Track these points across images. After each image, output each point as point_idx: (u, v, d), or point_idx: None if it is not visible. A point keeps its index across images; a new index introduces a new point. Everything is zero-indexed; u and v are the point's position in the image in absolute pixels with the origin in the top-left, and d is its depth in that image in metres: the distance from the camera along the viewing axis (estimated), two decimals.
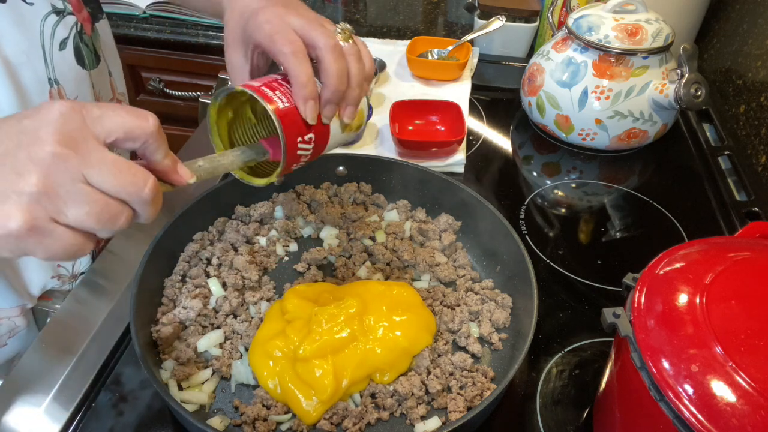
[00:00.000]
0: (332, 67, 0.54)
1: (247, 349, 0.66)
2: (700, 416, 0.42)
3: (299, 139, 0.56)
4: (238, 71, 0.60)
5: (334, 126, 0.59)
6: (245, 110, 0.61)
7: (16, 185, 0.37)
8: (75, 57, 0.69)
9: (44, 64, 0.65)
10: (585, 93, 0.95)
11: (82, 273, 0.79)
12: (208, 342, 0.66)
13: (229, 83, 0.60)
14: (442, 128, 1.03)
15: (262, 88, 0.54)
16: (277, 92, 0.54)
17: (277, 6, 0.56)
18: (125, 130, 0.41)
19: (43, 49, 0.65)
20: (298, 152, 0.57)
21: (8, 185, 0.37)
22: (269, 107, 0.53)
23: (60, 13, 0.66)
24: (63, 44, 0.67)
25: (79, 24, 0.68)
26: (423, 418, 0.61)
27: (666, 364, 0.45)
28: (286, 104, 0.54)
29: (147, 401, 0.63)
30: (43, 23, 0.65)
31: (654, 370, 0.45)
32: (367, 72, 0.59)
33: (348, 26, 0.58)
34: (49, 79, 0.66)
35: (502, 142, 1.05)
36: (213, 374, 0.65)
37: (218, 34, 1.34)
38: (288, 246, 0.80)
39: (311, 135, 0.57)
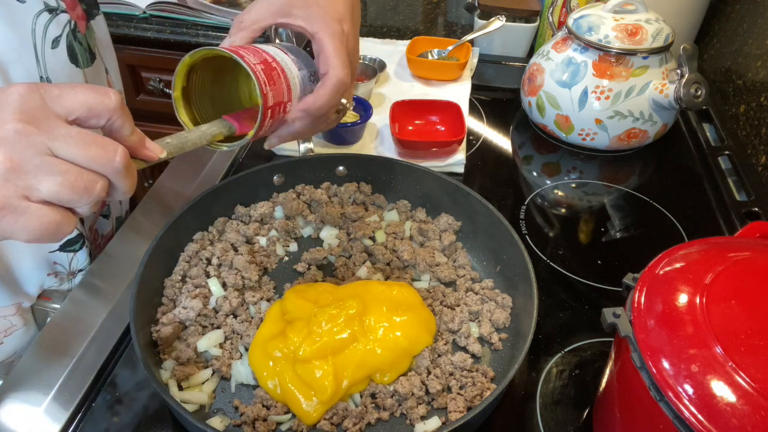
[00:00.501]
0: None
1: (247, 349, 0.66)
2: (700, 416, 0.42)
3: (268, 120, 0.58)
4: (247, 24, 0.62)
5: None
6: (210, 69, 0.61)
7: None
8: (68, 55, 0.68)
9: (36, 63, 0.65)
10: (585, 93, 0.95)
11: (80, 270, 0.79)
12: (208, 342, 0.66)
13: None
14: (442, 128, 1.03)
15: (259, 69, 0.56)
16: (271, 85, 0.57)
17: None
18: (87, 108, 0.41)
19: (34, 47, 0.64)
20: (263, 131, 0.59)
21: None
22: (261, 99, 0.56)
23: (53, 11, 0.65)
24: (56, 42, 0.66)
25: (72, 22, 0.68)
26: (423, 418, 0.61)
27: (666, 364, 0.45)
28: (273, 99, 0.57)
29: (147, 401, 0.63)
30: (35, 21, 0.64)
31: (654, 370, 0.45)
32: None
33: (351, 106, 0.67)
34: (41, 77, 0.65)
35: (502, 142, 1.05)
36: (213, 374, 0.65)
37: (218, 34, 1.34)
38: (288, 246, 0.80)
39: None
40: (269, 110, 0.57)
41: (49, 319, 0.72)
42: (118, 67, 0.83)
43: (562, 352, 0.70)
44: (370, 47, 1.27)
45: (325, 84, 0.60)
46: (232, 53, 0.55)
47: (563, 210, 0.92)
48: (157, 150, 0.47)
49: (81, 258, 0.78)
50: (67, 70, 0.68)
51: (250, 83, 0.59)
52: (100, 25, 0.75)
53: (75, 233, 0.75)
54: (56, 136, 0.39)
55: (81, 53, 0.70)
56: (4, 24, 0.61)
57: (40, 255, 0.73)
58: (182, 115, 0.58)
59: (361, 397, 0.63)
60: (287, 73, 0.60)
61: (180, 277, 0.72)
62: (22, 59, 0.63)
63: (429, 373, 0.65)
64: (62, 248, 0.75)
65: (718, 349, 0.44)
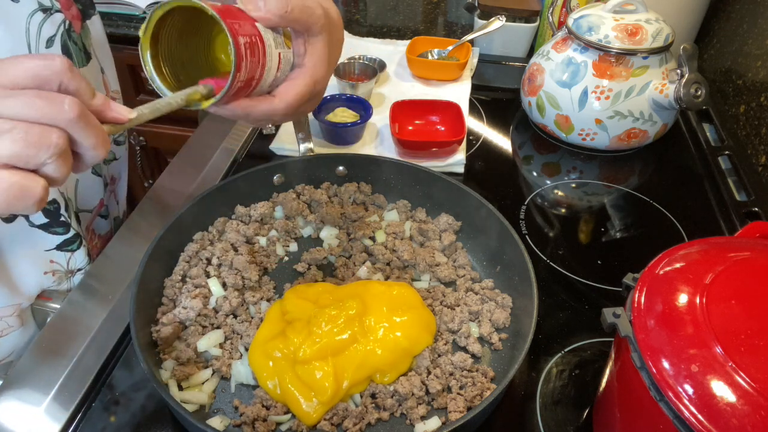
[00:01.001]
0: None
1: (247, 349, 0.66)
2: (700, 416, 0.42)
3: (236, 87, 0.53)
4: None
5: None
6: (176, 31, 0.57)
7: None
8: (63, 55, 0.68)
9: None
10: (585, 93, 0.95)
11: (78, 269, 0.79)
12: (208, 342, 0.66)
13: None
14: (442, 128, 1.03)
15: (241, 40, 0.52)
16: (249, 56, 0.53)
17: None
18: (33, 75, 0.39)
19: (28, 47, 0.64)
20: (226, 98, 0.54)
21: None
22: (234, 68, 0.51)
23: (47, 10, 0.65)
24: (50, 42, 0.66)
25: (67, 22, 0.68)
26: (423, 418, 0.61)
27: (666, 364, 0.45)
28: (246, 73, 0.53)
29: (147, 401, 0.63)
30: (29, 21, 0.64)
31: (654, 370, 0.45)
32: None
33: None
34: None
35: (502, 142, 1.05)
36: (213, 374, 0.65)
37: None
38: (288, 246, 0.80)
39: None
40: (239, 83, 0.53)
41: (48, 319, 0.72)
42: (116, 68, 0.83)
43: (562, 352, 0.70)
44: (370, 47, 1.27)
45: (303, 76, 0.57)
46: (216, 13, 0.50)
47: (563, 210, 0.92)
48: (125, 111, 0.44)
49: (79, 258, 0.78)
50: None
51: (225, 48, 0.56)
52: (96, 25, 0.74)
53: (72, 233, 0.75)
54: (1, 99, 0.38)
55: (76, 53, 0.70)
56: None
57: (38, 254, 0.73)
58: (150, 70, 0.54)
59: (361, 397, 0.63)
60: (267, 49, 0.56)
61: (180, 277, 0.72)
62: None
63: (429, 373, 0.65)
64: (59, 248, 0.75)
65: (718, 349, 0.44)
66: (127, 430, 0.61)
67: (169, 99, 0.51)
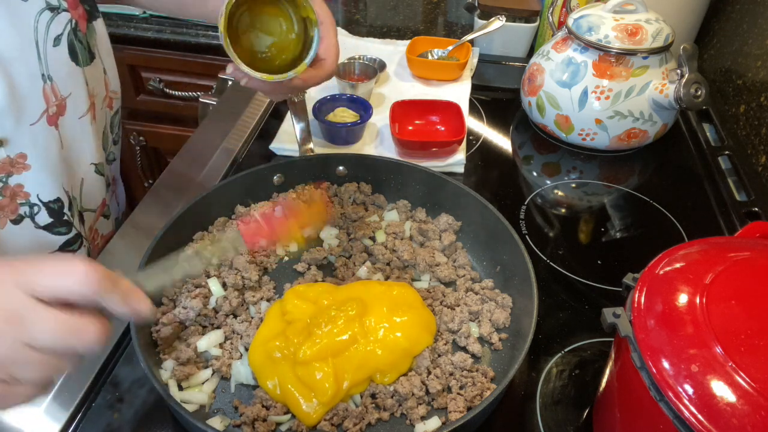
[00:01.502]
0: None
1: (247, 349, 0.66)
2: (700, 416, 0.42)
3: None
4: None
5: None
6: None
7: None
8: (69, 53, 0.69)
9: (38, 60, 0.65)
10: (585, 93, 0.95)
11: None
12: (208, 342, 0.66)
13: (229, 83, 0.61)
14: (442, 128, 1.03)
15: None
16: None
17: None
18: (67, 295, 0.42)
19: (36, 45, 0.65)
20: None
21: None
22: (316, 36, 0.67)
23: (54, 9, 0.66)
24: (57, 40, 0.67)
25: (73, 21, 0.68)
26: (423, 418, 0.61)
27: (666, 364, 0.45)
28: None
29: (147, 401, 0.63)
30: (38, 19, 0.64)
31: (654, 370, 0.45)
32: None
33: None
34: (43, 74, 0.66)
35: (502, 142, 1.05)
36: (213, 374, 0.65)
37: (218, 34, 1.34)
38: (288, 246, 0.80)
39: None
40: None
41: None
42: (118, 69, 0.83)
43: (562, 352, 0.70)
44: (370, 47, 1.27)
45: (325, 68, 0.72)
46: None
47: (563, 210, 0.92)
48: (145, 309, 0.47)
49: (81, 255, 0.79)
50: (68, 68, 0.69)
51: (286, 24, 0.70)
52: (99, 28, 0.75)
53: (73, 233, 0.75)
54: (31, 330, 0.40)
55: (81, 52, 0.70)
56: (7, 22, 0.62)
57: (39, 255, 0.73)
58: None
59: (362, 397, 0.63)
60: None
61: (180, 277, 0.72)
62: (25, 57, 0.64)
63: (429, 373, 0.65)
64: (61, 249, 0.75)
65: (718, 349, 0.44)
66: (127, 430, 0.61)
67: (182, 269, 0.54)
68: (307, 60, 0.68)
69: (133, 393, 0.64)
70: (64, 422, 0.61)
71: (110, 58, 0.79)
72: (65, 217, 0.73)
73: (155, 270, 0.50)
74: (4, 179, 0.66)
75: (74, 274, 0.42)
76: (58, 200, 0.71)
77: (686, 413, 0.43)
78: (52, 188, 0.70)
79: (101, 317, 0.43)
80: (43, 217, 0.71)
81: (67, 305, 0.42)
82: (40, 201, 0.70)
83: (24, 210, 0.69)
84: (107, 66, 0.78)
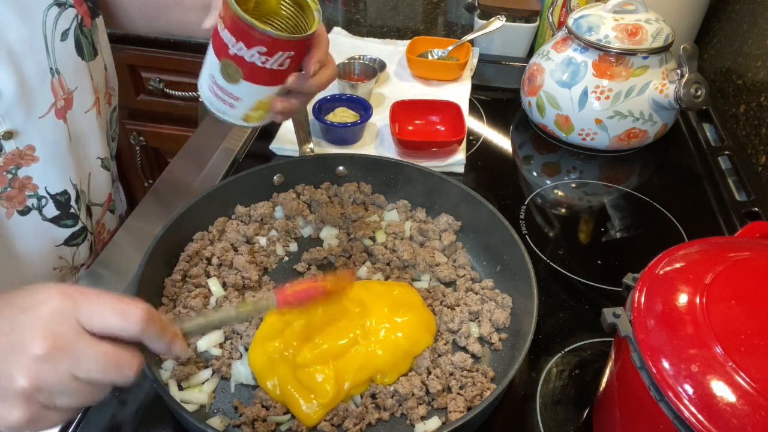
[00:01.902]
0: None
1: (247, 349, 0.66)
2: (700, 416, 0.42)
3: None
4: None
5: None
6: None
7: (11, 385, 0.41)
8: (75, 48, 0.70)
9: (46, 54, 0.66)
10: (585, 93, 0.95)
11: (82, 264, 0.80)
12: (208, 342, 0.66)
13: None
14: (442, 128, 1.03)
15: None
16: None
17: None
18: (115, 331, 0.43)
19: (45, 39, 0.66)
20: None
21: (6, 383, 0.41)
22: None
23: (62, 5, 0.67)
24: (65, 35, 0.68)
25: (79, 16, 0.70)
26: (423, 418, 0.61)
27: (666, 364, 0.45)
28: None
29: (147, 401, 0.63)
30: (46, 14, 0.66)
31: (654, 370, 0.45)
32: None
33: None
34: (51, 68, 0.67)
35: (502, 142, 1.05)
36: (213, 374, 0.65)
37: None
38: (288, 246, 0.80)
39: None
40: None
41: None
42: (116, 68, 0.84)
43: (562, 352, 0.70)
44: (370, 47, 1.27)
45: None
46: None
47: (563, 210, 0.92)
48: (181, 351, 0.49)
49: (83, 252, 0.79)
50: (75, 63, 0.70)
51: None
52: (101, 25, 0.76)
53: (79, 226, 0.76)
54: (81, 362, 0.42)
55: (86, 47, 0.72)
56: (17, 16, 0.63)
57: (48, 249, 0.74)
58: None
59: (362, 397, 0.63)
60: None
61: (180, 277, 0.72)
62: (34, 51, 0.65)
63: (429, 373, 0.65)
64: (67, 242, 0.75)
65: (718, 349, 0.44)
66: (127, 429, 0.60)
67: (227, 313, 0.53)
68: (317, 18, 0.59)
69: (133, 393, 0.63)
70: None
71: (110, 57, 0.80)
72: (72, 210, 0.74)
73: (197, 319, 0.52)
74: (13, 171, 0.67)
75: (133, 319, 0.43)
76: (65, 193, 0.72)
77: (686, 413, 0.43)
78: (60, 181, 0.71)
79: (139, 352, 0.45)
80: (51, 210, 0.71)
81: (113, 338, 0.44)
82: (48, 193, 0.70)
83: (32, 202, 0.69)
84: (107, 62, 0.79)
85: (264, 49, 0.55)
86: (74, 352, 0.41)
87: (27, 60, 0.64)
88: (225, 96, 0.60)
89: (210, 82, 0.61)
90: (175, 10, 0.78)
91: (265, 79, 0.58)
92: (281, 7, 0.62)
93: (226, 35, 0.55)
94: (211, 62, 0.60)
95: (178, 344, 0.48)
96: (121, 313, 0.43)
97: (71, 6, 0.69)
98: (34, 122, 0.67)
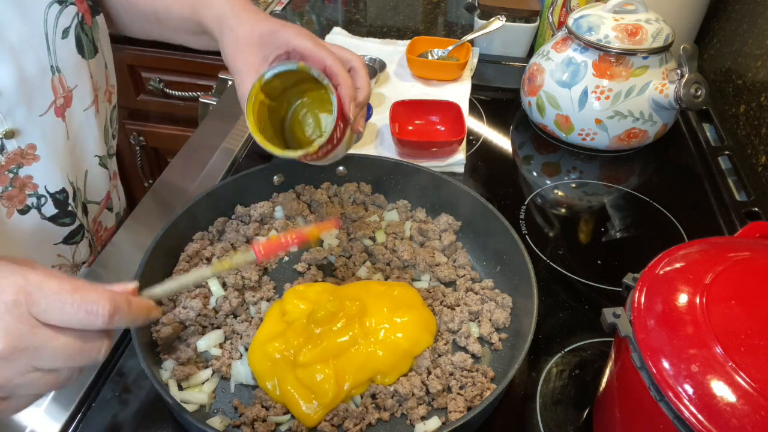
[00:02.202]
0: (365, 78, 0.65)
1: (247, 349, 0.66)
2: (700, 416, 0.42)
3: (340, 123, 0.61)
4: (252, 70, 0.64)
5: (347, 134, 0.66)
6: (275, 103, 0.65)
7: None
8: (76, 46, 0.70)
9: (47, 52, 0.66)
10: (585, 93, 0.95)
11: (83, 262, 0.80)
12: (208, 342, 0.66)
13: (229, 83, 0.61)
14: (442, 128, 1.03)
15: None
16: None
17: (293, 26, 0.66)
18: (72, 326, 0.42)
19: (46, 37, 0.66)
20: (336, 135, 0.62)
21: None
22: (329, 82, 0.59)
23: (63, 2, 0.67)
24: (65, 33, 0.68)
25: (80, 14, 0.70)
26: (423, 418, 0.61)
27: (666, 364, 0.45)
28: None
29: (147, 401, 0.63)
30: (47, 11, 0.66)
31: (654, 370, 0.45)
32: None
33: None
34: (51, 66, 0.67)
35: (502, 142, 1.05)
36: (213, 374, 0.65)
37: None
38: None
39: (342, 125, 0.62)
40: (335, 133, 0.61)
41: None
42: (117, 68, 0.84)
43: (562, 352, 0.70)
44: (370, 47, 1.27)
45: (361, 72, 0.66)
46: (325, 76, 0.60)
47: (563, 210, 0.92)
48: (155, 317, 0.50)
49: (83, 251, 0.79)
50: (75, 60, 0.70)
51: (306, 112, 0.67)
52: (101, 23, 0.76)
53: (76, 224, 0.76)
54: (41, 356, 0.41)
55: (87, 45, 0.72)
56: (18, 14, 0.63)
57: (47, 247, 0.74)
58: (250, 116, 0.61)
59: (362, 397, 0.63)
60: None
61: None
62: (35, 48, 0.65)
63: (429, 373, 0.65)
64: (65, 240, 0.75)
65: (718, 349, 0.44)
66: (127, 429, 0.61)
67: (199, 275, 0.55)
68: (325, 136, 0.61)
69: (133, 393, 0.64)
70: (64, 421, 0.61)
71: (110, 55, 0.80)
72: (69, 208, 0.74)
73: (169, 284, 0.52)
74: (14, 170, 0.67)
75: (97, 315, 0.42)
76: (63, 191, 0.72)
77: (686, 413, 0.43)
78: (59, 179, 0.71)
79: (105, 335, 0.44)
80: (49, 208, 0.72)
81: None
82: (48, 192, 0.71)
83: (31, 201, 0.69)
84: (108, 60, 0.79)
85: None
86: (32, 348, 0.41)
87: (28, 58, 0.64)
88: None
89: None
90: (165, 31, 0.79)
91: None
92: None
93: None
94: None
95: (153, 313, 0.47)
96: (83, 309, 0.42)
97: (72, 3, 0.69)
98: (34, 120, 0.67)
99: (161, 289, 0.52)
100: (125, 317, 0.44)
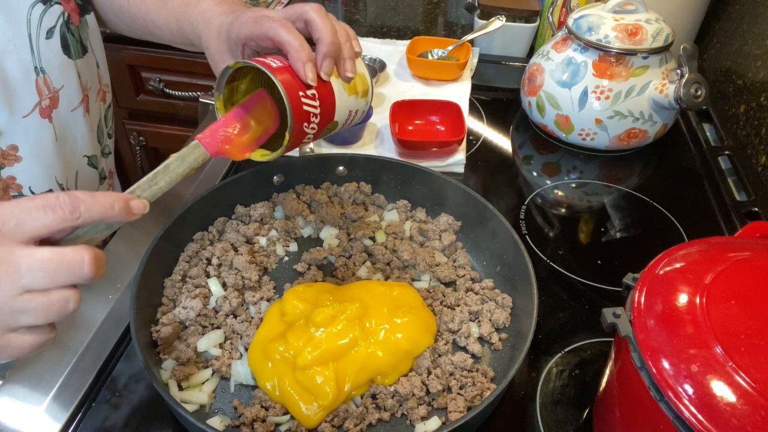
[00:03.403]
0: (323, 22, 0.56)
1: (247, 349, 0.66)
2: (700, 416, 0.42)
3: (301, 93, 0.56)
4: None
5: (338, 87, 0.59)
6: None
7: None
8: (61, 46, 0.69)
9: (30, 53, 0.65)
10: (585, 93, 0.95)
11: None
12: (208, 342, 0.66)
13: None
14: (442, 128, 1.03)
15: (257, 59, 0.56)
16: (270, 59, 0.56)
17: (245, 13, 0.61)
18: (47, 228, 0.42)
19: (29, 37, 0.65)
20: (305, 107, 0.56)
21: None
22: (263, 67, 0.54)
23: (47, 2, 0.66)
24: (50, 33, 0.67)
25: (66, 14, 0.69)
26: (423, 418, 0.61)
27: (666, 364, 0.45)
28: (281, 65, 0.56)
29: (147, 401, 0.63)
30: (30, 12, 0.65)
31: (654, 370, 0.45)
32: (352, 34, 0.61)
33: None
34: (36, 67, 0.66)
35: (502, 142, 1.05)
36: (213, 374, 0.65)
37: None
38: (288, 246, 0.80)
39: (314, 92, 0.57)
40: (281, 72, 0.55)
41: None
42: (116, 68, 0.84)
43: (562, 352, 0.70)
44: (370, 47, 1.27)
45: (316, 20, 0.58)
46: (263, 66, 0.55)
47: (563, 210, 0.92)
48: (140, 208, 0.48)
49: None
50: (60, 61, 0.69)
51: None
52: (92, 22, 0.75)
53: None
54: (22, 274, 0.41)
55: (73, 45, 0.71)
56: (0, 14, 0.62)
57: None
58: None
59: (362, 398, 0.63)
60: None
61: (180, 277, 0.72)
62: (18, 49, 0.64)
63: (429, 373, 0.65)
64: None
65: (718, 349, 0.44)
66: (127, 429, 0.60)
67: (168, 177, 0.53)
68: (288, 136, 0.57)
69: (133, 393, 0.64)
70: (63, 422, 0.61)
71: (102, 52, 0.80)
72: None
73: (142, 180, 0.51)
74: None
75: (62, 205, 0.42)
76: (49, 192, 0.71)
77: (686, 413, 0.43)
78: (44, 180, 0.71)
79: (87, 247, 0.43)
80: None
81: (54, 243, 0.42)
82: (32, 193, 0.70)
83: None
84: (99, 59, 0.79)
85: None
86: (11, 267, 0.40)
87: (10, 59, 0.63)
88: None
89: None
90: (149, 25, 0.77)
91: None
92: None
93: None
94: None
95: (135, 202, 0.46)
96: (47, 207, 0.42)
97: (57, 3, 0.68)
98: (17, 122, 0.66)
99: (138, 185, 0.50)
100: (92, 206, 0.43)
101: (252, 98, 0.59)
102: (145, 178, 0.51)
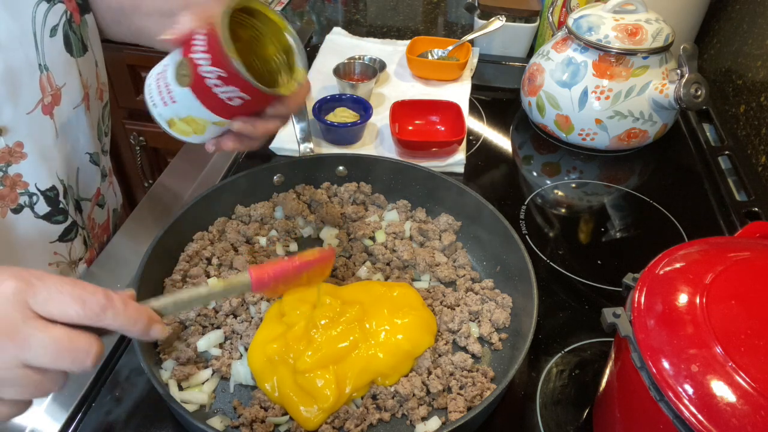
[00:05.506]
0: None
1: (246, 350, 0.66)
2: (700, 416, 0.42)
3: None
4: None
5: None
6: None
7: None
8: (64, 44, 0.70)
9: (35, 50, 0.66)
10: (585, 93, 0.95)
11: (80, 258, 0.80)
12: (208, 342, 0.66)
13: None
14: (442, 128, 1.03)
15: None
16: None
17: None
18: (68, 319, 0.42)
19: (34, 35, 0.66)
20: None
21: None
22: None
23: (50, 0, 0.67)
24: (53, 31, 0.68)
25: (68, 12, 0.70)
26: (424, 418, 0.61)
27: (666, 364, 0.45)
28: None
29: (147, 401, 0.63)
30: (35, 10, 0.66)
31: (654, 370, 0.45)
32: None
33: None
34: (40, 64, 0.67)
35: (502, 142, 1.05)
36: (213, 374, 0.65)
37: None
38: (288, 246, 0.80)
39: None
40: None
41: None
42: (116, 68, 0.84)
43: (562, 352, 0.70)
44: (370, 47, 1.27)
45: (306, 86, 0.59)
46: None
47: (563, 210, 0.92)
48: (156, 336, 0.47)
49: (78, 247, 0.79)
50: (63, 59, 0.70)
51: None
52: (91, 21, 0.76)
53: (69, 221, 0.76)
54: (30, 347, 0.40)
55: (75, 43, 0.72)
56: (5, 11, 0.63)
57: (42, 246, 0.74)
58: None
59: (362, 398, 0.63)
60: None
61: (180, 277, 0.72)
62: (23, 47, 0.65)
63: (429, 373, 0.65)
64: (61, 238, 0.76)
65: (718, 349, 0.44)
66: (126, 429, 0.60)
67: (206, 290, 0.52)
68: (293, 87, 0.56)
69: (132, 393, 0.64)
70: (64, 422, 0.61)
71: (100, 52, 0.80)
72: (61, 205, 0.74)
73: (165, 299, 0.50)
74: (4, 168, 0.67)
75: (92, 304, 0.42)
76: (53, 188, 0.72)
77: (686, 413, 0.43)
78: (48, 177, 0.71)
79: (97, 339, 0.43)
80: (42, 207, 0.72)
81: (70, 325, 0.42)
82: (38, 190, 0.71)
83: (24, 200, 0.69)
84: (98, 58, 0.79)
85: (224, 74, 0.51)
86: (21, 337, 0.40)
87: (16, 55, 0.64)
88: (165, 90, 0.57)
89: (162, 69, 0.58)
90: (135, 16, 0.76)
91: (208, 102, 0.55)
92: (274, 58, 0.60)
93: (200, 39, 0.52)
94: (175, 53, 0.57)
95: (157, 328, 0.46)
96: (79, 298, 0.41)
97: (60, 2, 0.68)
98: (21, 118, 0.66)
99: (157, 302, 0.49)
100: (119, 316, 0.43)
101: (317, 258, 0.57)
102: (181, 298, 0.51)
